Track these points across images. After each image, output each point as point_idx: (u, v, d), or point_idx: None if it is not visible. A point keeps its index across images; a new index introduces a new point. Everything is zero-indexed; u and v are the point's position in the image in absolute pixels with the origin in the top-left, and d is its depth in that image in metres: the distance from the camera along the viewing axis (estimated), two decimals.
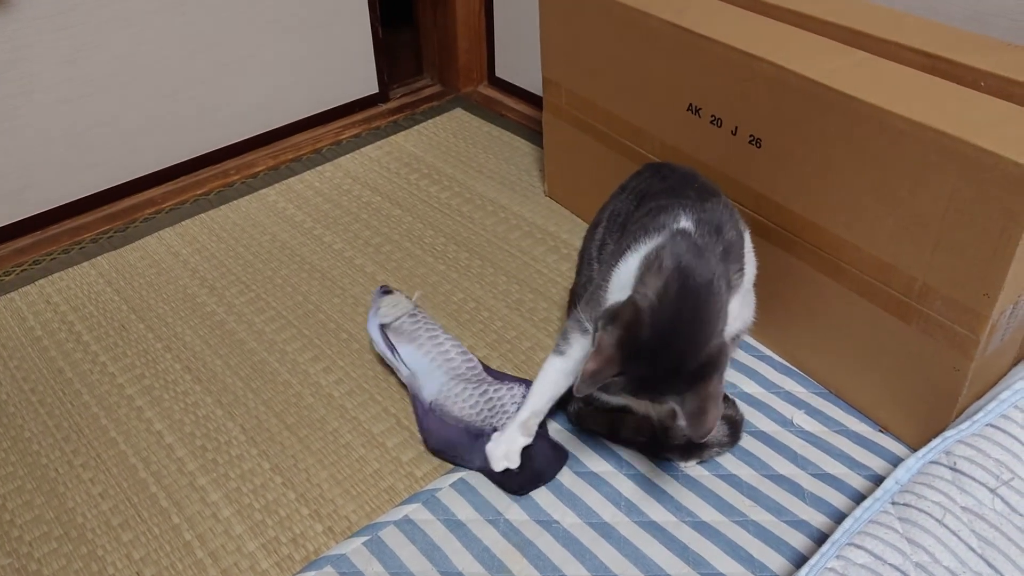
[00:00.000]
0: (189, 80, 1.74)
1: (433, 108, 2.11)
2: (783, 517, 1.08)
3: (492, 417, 1.14)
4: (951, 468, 0.95)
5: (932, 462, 0.97)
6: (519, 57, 2.06)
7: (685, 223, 0.97)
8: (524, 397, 1.13)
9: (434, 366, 1.20)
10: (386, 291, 1.30)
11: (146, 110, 1.71)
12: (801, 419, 1.22)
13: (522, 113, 2.05)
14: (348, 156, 1.90)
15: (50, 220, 1.66)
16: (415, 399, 1.20)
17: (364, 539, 1.06)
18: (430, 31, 2.16)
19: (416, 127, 2.02)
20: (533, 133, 1.95)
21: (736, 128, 1.21)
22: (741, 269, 1.02)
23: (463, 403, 1.16)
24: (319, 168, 1.86)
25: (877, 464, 1.14)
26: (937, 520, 0.89)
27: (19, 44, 1.49)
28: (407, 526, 1.08)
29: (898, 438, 1.18)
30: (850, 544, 0.89)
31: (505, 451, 1.08)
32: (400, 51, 2.25)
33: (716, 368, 0.87)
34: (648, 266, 0.91)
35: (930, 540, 0.87)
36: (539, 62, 1.59)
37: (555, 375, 1.09)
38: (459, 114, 2.07)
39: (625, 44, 1.35)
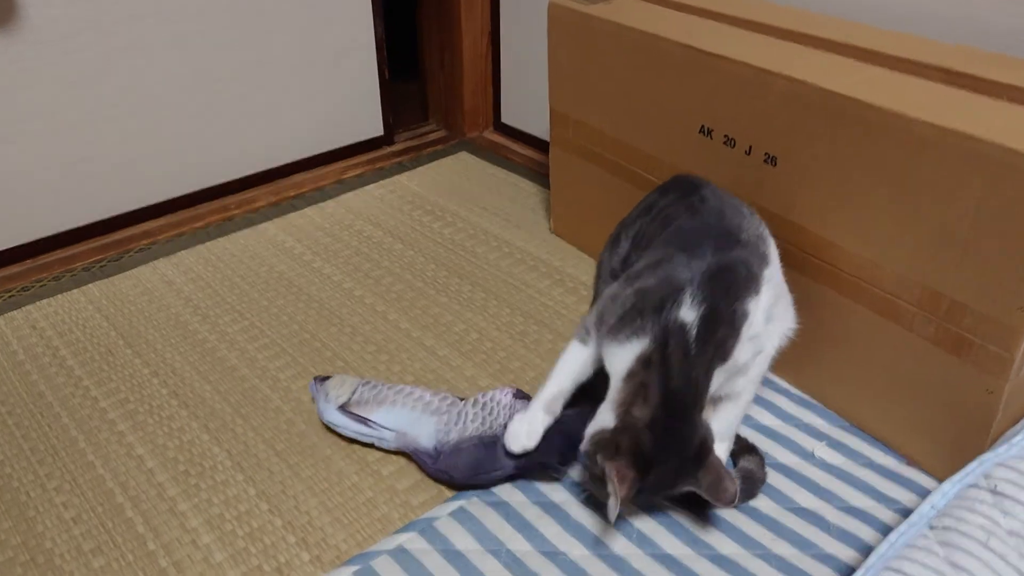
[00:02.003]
0: (192, 114, 1.73)
1: (438, 151, 2.09)
2: (808, 551, 1.00)
3: (495, 419, 1.09)
4: (992, 491, 0.88)
5: (970, 486, 0.90)
6: (525, 103, 2.05)
7: (685, 312, 0.94)
8: (511, 396, 1.13)
9: (416, 413, 1.12)
10: (322, 378, 1.21)
11: (147, 142, 1.68)
12: (823, 452, 1.15)
13: (528, 157, 2.03)
14: (350, 193, 1.87)
15: (42, 249, 1.62)
16: (416, 454, 1.11)
17: (354, 568, 0.98)
18: (436, 74, 2.17)
19: (420, 167, 2.00)
20: (539, 176, 1.93)
21: (750, 148, 1.18)
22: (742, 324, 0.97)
23: (463, 424, 1.10)
24: (320, 204, 1.83)
25: (906, 498, 1.07)
26: (981, 543, 0.81)
27: (22, 67, 1.48)
28: (401, 556, 1.00)
29: (927, 471, 1.11)
30: (887, 569, 0.81)
31: (527, 430, 1.05)
32: (406, 102, 2.25)
33: (710, 446, 0.95)
34: (638, 388, 0.94)
35: (975, 564, 0.79)
36: (546, 107, 1.58)
37: (579, 359, 1.06)
38: (464, 157, 2.05)
39: (635, 69, 1.33)
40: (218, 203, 1.82)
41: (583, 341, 1.07)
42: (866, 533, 1.02)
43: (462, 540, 1.02)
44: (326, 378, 1.20)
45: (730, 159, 1.21)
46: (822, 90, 1.05)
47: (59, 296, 1.51)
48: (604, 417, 0.96)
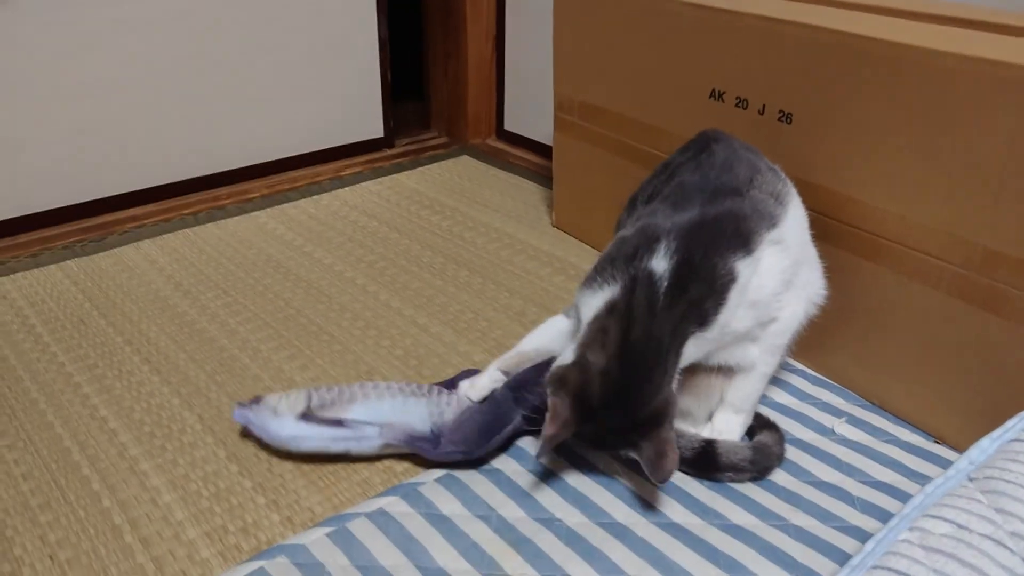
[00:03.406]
0: (188, 98, 1.68)
1: (438, 155, 2.04)
2: (830, 523, 0.90)
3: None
4: None
5: (1013, 440, 0.81)
6: (530, 108, 2.01)
7: (656, 262, 0.87)
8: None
9: (399, 400, 0.99)
10: (255, 400, 1.01)
11: (139, 123, 1.63)
12: (843, 429, 1.06)
13: (531, 161, 1.98)
14: (347, 188, 1.82)
15: (21, 227, 1.55)
16: (411, 442, 0.97)
17: (328, 530, 0.89)
18: (440, 81, 2.14)
19: (420, 168, 1.95)
20: (541, 177, 1.87)
21: (763, 107, 1.12)
22: (728, 291, 0.88)
23: (457, 405, 1.01)
24: (316, 197, 1.77)
25: (936, 473, 0.97)
26: None
27: (12, 36, 1.44)
28: (381, 518, 0.90)
29: (957, 450, 1.01)
30: (926, 516, 0.72)
31: (473, 382, 1.02)
32: (408, 116, 2.21)
33: (666, 417, 0.86)
34: (597, 333, 0.88)
35: None
36: (550, 112, 1.55)
37: (552, 329, 1.02)
38: (465, 160, 2.01)
39: (642, 38, 1.29)
40: (209, 193, 1.76)
41: (566, 314, 1.02)
42: (894, 506, 0.92)
43: (448, 505, 0.93)
44: (256, 400, 1.01)
45: (743, 122, 1.15)
46: (838, 32, 1.00)
47: (35, 271, 1.44)
48: (566, 354, 0.90)
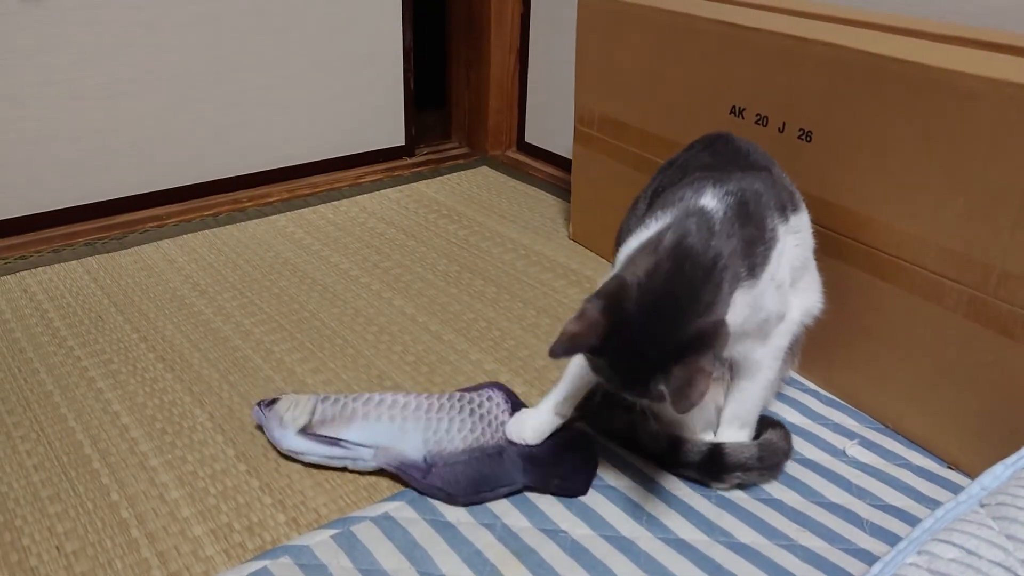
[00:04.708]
0: (213, 101, 1.70)
1: (458, 165, 2.05)
2: (838, 544, 0.89)
3: (490, 426, 0.99)
4: None
5: None
6: (551, 122, 2.02)
7: (708, 200, 0.86)
8: (506, 401, 1.03)
9: (397, 423, 0.98)
10: (269, 402, 1.03)
11: (163, 124, 1.65)
12: (855, 450, 1.05)
13: (550, 174, 1.99)
14: (366, 195, 1.83)
15: (44, 223, 1.57)
16: (403, 469, 0.96)
17: (333, 532, 0.89)
18: (461, 91, 2.15)
19: (440, 177, 1.96)
20: (560, 190, 1.87)
21: (784, 124, 1.12)
22: (767, 252, 0.88)
23: (458, 432, 0.98)
24: (335, 203, 1.79)
25: (948, 499, 0.96)
26: None
27: (43, 32, 1.46)
28: (386, 522, 0.90)
29: (972, 476, 1.00)
30: (935, 540, 0.71)
31: (533, 425, 0.98)
32: (429, 124, 2.23)
33: (709, 345, 0.77)
34: (645, 245, 0.84)
35: None
36: (571, 125, 1.55)
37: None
38: (485, 171, 2.01)
39: (664, 52, 1.29)
40: (231, 195, 1.78)
41: None
42: (904, 531, 0.91)
43: (453, 512, 0.93)
44: (273, 401, 1.02)
45: (763, 139, 1.15)
46: (862, 52, 1.00)
47: (56, 266, 1.46)
48: None
